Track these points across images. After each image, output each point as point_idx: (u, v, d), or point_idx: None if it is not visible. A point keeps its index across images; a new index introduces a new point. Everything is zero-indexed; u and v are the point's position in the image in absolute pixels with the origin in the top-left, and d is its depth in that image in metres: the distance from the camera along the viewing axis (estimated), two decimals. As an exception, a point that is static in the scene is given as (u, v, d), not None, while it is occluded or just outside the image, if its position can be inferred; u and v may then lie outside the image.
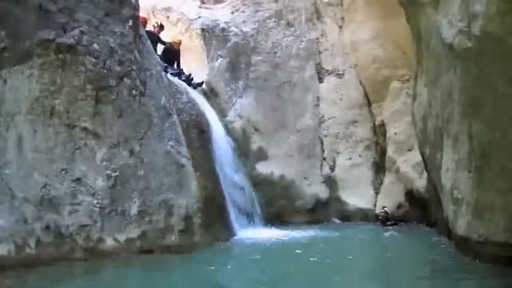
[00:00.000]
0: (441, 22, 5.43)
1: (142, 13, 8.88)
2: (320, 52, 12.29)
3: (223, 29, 11.57)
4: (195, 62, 11.48)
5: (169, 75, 9.51)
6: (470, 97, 5.17)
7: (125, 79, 7.00)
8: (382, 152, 11.34)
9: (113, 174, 6.65)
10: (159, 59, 9.11)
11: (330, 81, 12.11)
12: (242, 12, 12.13)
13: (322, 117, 11.76)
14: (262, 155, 10.96)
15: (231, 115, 11.02)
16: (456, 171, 6.02)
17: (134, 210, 6.77)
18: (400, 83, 11.04)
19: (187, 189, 7.51)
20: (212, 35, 11.50)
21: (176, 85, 9.20)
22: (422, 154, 8.44)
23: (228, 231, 8.30)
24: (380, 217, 10.30)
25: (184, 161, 7.69)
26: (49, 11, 6.35)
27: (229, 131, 10.70)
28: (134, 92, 7.11)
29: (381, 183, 11.22)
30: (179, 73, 10.48)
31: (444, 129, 6.44)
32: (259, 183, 10.52)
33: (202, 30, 11.56)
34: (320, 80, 12.08)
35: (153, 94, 7.54)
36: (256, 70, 11.47)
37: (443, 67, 5.93)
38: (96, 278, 5.47)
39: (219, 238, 7.81)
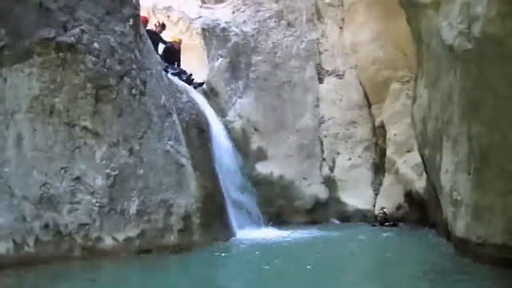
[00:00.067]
0: (442, 24, 5.43)
1: (142, 12, 8.89)
2: (320, 53, 12.31)
3: (223, 29, 11.58)
4: (196, 62, 11.48)
5: (169, 75, 9.52)
6: (470, 99, 5.17)
7: (125, 78, 7.00)
8: (382, 153, 11.35)
9: (113, 173, 6.65)
10: (159, 58, 9.12)
11: (330, 81, 12.12)
12: (243, 12, 12.13)
13: (322, 117, 11.77)
14: (261, 155, 10.96)
15: (231, 115, 11.03)
16: (455, 172, 6.02)
17: (133, 209, 6.76)
18: (400, 84, 11.04)
19: (186, 188, 7.51)
20: (212, 34, 11.51)
21: (176, 85, 9.20)
22: (422, 156, 8.44)
23: (227, 231, 8.30)
24: (379, 218, 10.31)
25: (183, 160, 7.69)
26: (49, 9, 6.35)
27: (229, 131, 10.71)
28: (134, 91, 7.11)
29: (380, 184, 11.23)
30: (179, 73, 10.48)
31: (443, 131, 6.44)
32: (258, 183, 10.53)
33: (203, 29, 11.57)
34: (320, 80, 12.10)
35: (153, 93, 7.54)
36: (256, 70, 11.48)
37: (443, 69, 5.93)
38: (94, 277, 5.46)
39: (218, 238, 7.82)
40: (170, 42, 10.92)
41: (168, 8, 12.20)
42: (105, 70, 6.73)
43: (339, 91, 11.99)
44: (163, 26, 11.18)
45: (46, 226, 6.05)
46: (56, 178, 6.23)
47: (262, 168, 10.83)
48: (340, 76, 12.16)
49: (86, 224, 6.33)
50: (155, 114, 7.44)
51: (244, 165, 10.47)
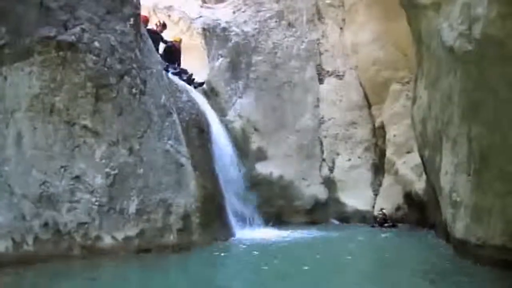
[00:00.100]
0: (442, 25, 5.43)
1: (143, 12, 8.89)
2: (320, 53, 12.31)
3: (224, 29, 11.58)
4: (196, 61, 11.48)
5: (170, 74, 9.51)
6: (470, 100, 5.17)
7: (125, 77, 6.99)
8: (381, 154, 11.35)
9: (112, 172, 6.65)
10: (159, 57, 9.11)
11: (330, 82, 12.12)
12: (244, 12, 12.14)
13: (322, 118, 11.78)
14: (261, 155, 10.96)
15: (231, 115, 11.02)
16: (455, 174, 6.02)
17: (132, 208, 6.76)
18: (400, 85, 11.05)
19: (186, 188, 7.50)
20: (213, 34, 11.51)
21: (176, 84, 9.19)
22: (421, 157, 8.44)
23: (226, 231, 8.30)
24: (378, 219, 10.31)
25: (183, 160, 7.69)
26: (50, 8, 6.35)
27: (228, 130, 10.71)
28: (134, 90, 7.11)
29: (380, 185, 11.24)
30: (180, 72, 10.47)
31: (443, 132, 6.44)
32: (258, 183, 10.53)
33: (203, 29, 11.57)
34: (320, 81, 12.10)
35: (153, 93, 7.54)
36: (256, 70, 11.48)
37: (443, 69, 5.93)
38: (94, 276, 5.45)
39: (218, 237, 7.81)
40: (171, 42, 10.91)
41: (169, 8, 12.20)
42: (106, 69, 6.72)
43: (339, 91, 12.00)
44: (164, 26, 11.17)
45: (45, 224, 6.04)
46: (55, 176, 6.23)
47: (262, 168, 10.83)
48: (340, 77, 12.16)
49: (86, 223, 6.32)
50: (155, 114, 7.44)
51: (244, 165, 10.47)
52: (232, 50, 11.42)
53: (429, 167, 7.88)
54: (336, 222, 11.02)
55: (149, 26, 10.42)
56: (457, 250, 6.14)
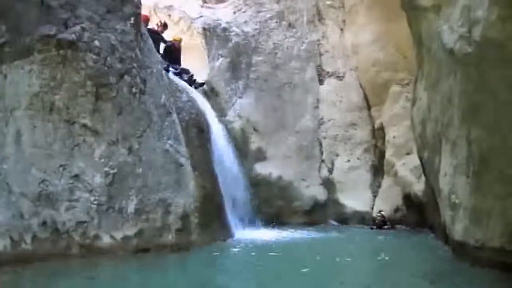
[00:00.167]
0: (442, 27, 5.44)
1: (144, 11, 8.88)
2: (321, 54, 12.31)
3: (224, 29, 11.58)
4: (196, 61, 11.48)
5: (170, 74, 9.51)
6: (470, 102, 5.17)
7: (125, 76, 6.99)
8: (381, 155, 11.34)
9: (111, 171, 6.64)
10: (160, 57, 9.10)
11: (330, 83, 12.12)
12: (244, 12, 12.14)
13: (322, 119, 11.77)
14: (260, 156, 10.96)
15: (230, 115, 11.02)
16: (454, 176, 6.02)
17: (131, 208, 6.76)
18: (400, 86, 11.04)
19: (185, 188, 7.50)
20: (213, 34, 11.51)
21: (176, 84, 9.19)
22: (421, 158, 8.45)
23: (225, 231, 8.29)
24: (377, 221, 10.30)
25: (182, 160, 7.69)
26: (50, 6, 6.34)
27: (228, 131, 10.70)
28: (134, 89, 7.11)
29: (379, 186, 11.23)
30: (180, 72, 10.47)
31: (443, 134, 6.44)
32: (257, 183, 10.52)
33: (204, 29, 11.56)
34: (321, 82, 12.10)
35: (153, 92, 7.54)
36: (256, 71, 11.47)
37: (443, 71, 5.94)
38: (92, 275, 5.45)
39: (217, 237, 7.81)
40: (171, 41, 10.91)
41: (169, 7, 12.19)
42: (106, 68, 6.72)
43: (339, 92, 11.99)
44: (165, 26, 11.17)
45: (44, 223, 6.03)
46: (54, 175, 6.22)
47: (261, 168, 10.83)
48: (340, 78, 12.16)
49: (84, 222, 6.32)
50: (155, 113, 7.43)
51: (243, 166, 10.45)
52: (232, 50, 11.41)
53: (428, 169, 7.89)
54: (335, 223, 11.00)
55: (150, 26, 10.42)
56: (455, 252, 6.15)
